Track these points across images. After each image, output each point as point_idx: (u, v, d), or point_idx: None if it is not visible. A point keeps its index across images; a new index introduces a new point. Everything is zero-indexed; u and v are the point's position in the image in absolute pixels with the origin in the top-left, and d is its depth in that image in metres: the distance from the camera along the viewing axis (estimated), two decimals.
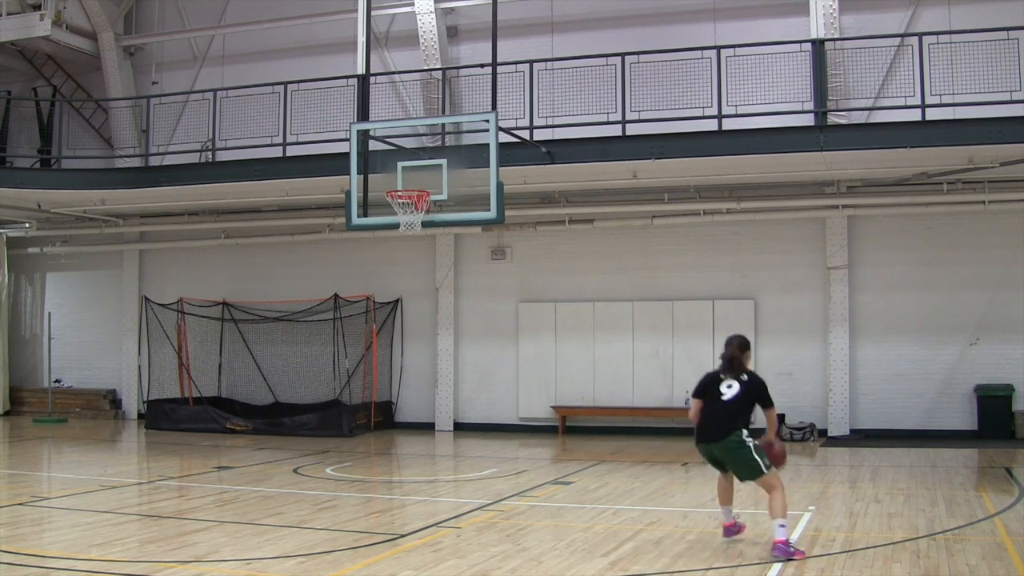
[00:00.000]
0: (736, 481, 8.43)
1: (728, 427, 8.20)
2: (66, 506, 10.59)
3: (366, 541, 8.69)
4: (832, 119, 15.47)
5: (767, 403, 8.33)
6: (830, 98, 15.46)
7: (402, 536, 8.80)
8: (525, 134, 15.08)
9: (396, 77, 18.96)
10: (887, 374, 17.17)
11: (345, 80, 16.97)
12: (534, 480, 12.63)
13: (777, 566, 7.62)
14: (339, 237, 19.85)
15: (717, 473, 8.65)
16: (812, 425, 17.04)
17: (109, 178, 19.17)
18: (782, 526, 7.87)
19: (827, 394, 17.30)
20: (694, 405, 8.52)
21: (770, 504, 8.02)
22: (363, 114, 14.90)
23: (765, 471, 8.05)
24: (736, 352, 8.41)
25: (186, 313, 20.56)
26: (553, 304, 18.88)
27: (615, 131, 15.52)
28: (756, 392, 8.32)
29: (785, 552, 7.79)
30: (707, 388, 8.46)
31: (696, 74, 15.49)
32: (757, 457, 8.06)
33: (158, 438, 18.16)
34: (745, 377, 8.35)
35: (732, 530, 8.58)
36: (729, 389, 8.29)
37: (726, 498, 8.56)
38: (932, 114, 14.40)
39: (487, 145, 12.48)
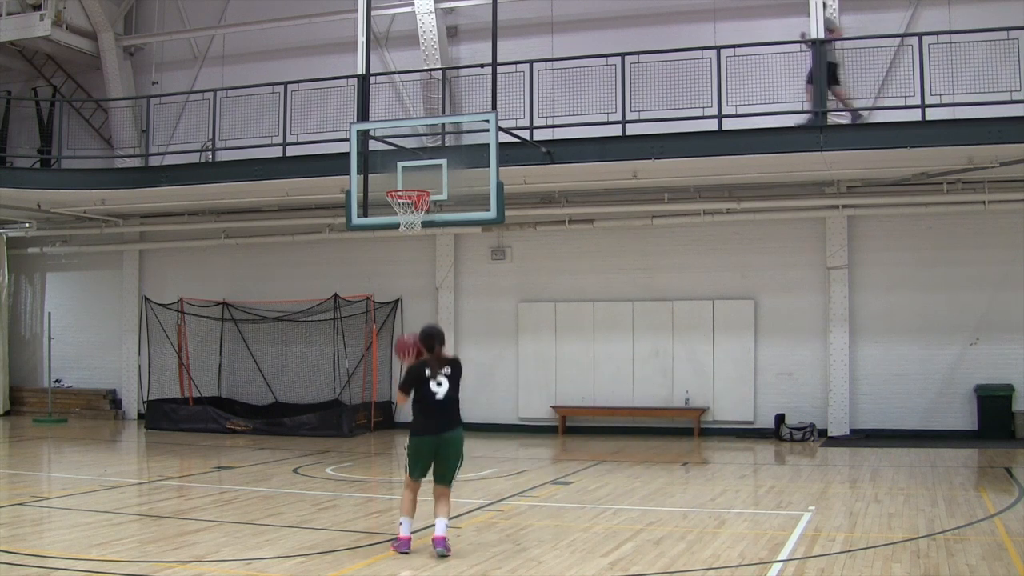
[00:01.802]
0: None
1: (459, 417, 8.40)
2: (66, 506, 10.59)
3: (366, 541, 8.70)
4: (832, 119, 15.47)
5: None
6: (830, 98, 15.46)
7: None
8: (525, 134, 15.08)
9: (396, 77, 18.96)
10: (887, 374, 17.17)
11: (345, 80, 16.96)
12: (534, 480, 12.63)
13: (777, 566, 7.62)
14: (339, 237, 19.85)
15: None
16: (812, 425, 17.03)
17: (109, 178, 19.16)
18: (447, 524, 8.19)
19: (827, 394, 17.29)
20: (402, 396, 8.44)
21: (444, 506, 8.21)
22: (363, 114, 14.87)
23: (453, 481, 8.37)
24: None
25: (186, 313, 20.56)
26: (553, 304, 18.88)
27: (615, 131, 15.51)
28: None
29: (447, 545, 8.05)
30: (418, 380, 8.32)
31: (696, 74, 15.48)
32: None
33: (158, 438, 18.16)
34: (449, 369, 8.37)
35: (409, 544, 8.23)
36: (441, 387, 8.28)
37: (414, 507, 8.33)
38: (932, 114, 14.39)
39: (487, 145, 12.47)
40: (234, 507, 10.57)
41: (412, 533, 8.32)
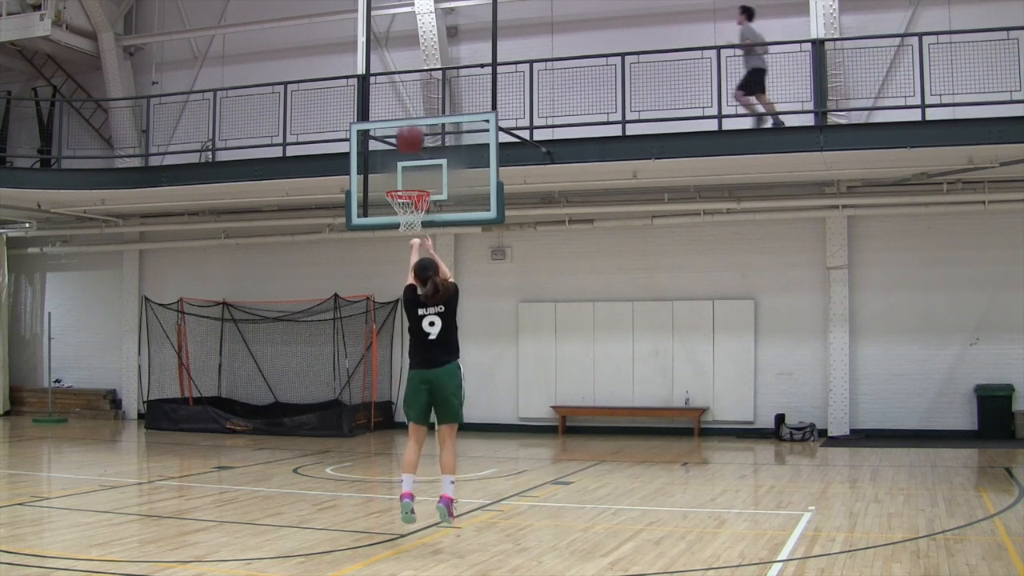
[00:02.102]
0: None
1: (452, 354, 8.37)
2: (66, 506, 10.59)
3: (366, 541, 8.69)
4: (832, 119, 15.47)
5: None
6: (830, 98, 15.46)
7: (402, 536, 8.79)
8: (525, 134, 15.08)
9: (396, 77, 18.97)
10: (887, 374, 17.17)
11: (345, 80, 16.97)
12: (534, 480, 12.63)
13: (777, 566, 7.62)
14: (339, 237, 19.85)
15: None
16: (812, 425, 17.03)
17: (109, 178, 19.17)
18: (452, 483, 8.25)
19: (827, 394, 17.29)
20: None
21: (447, 458, 8.23)
22: (363, 114, 14.88)
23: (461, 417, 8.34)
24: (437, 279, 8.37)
25: (186, 313, 20.56)
26: (553, 304, 18.88)
27: (615, 131, 15.51)
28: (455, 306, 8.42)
29: (451, 509, 8.13)
30: (411, 303, 8.40)
31: (696, 74, 15.49)
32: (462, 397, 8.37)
33: (158, 438, 18.16)
34: (442, 308, 8.35)
35: (411, 497, 8.25)
36: (434, 327, 8.29)
37: (416, 462, 8.37)
38: (932, 114, 14.40)
39: (487, 145, 12.47)
40: (234, 507, 10.57)
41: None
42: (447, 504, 8.15)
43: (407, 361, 8.69)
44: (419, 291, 8.35)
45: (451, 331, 8.35)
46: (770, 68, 15.39)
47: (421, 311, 8.34)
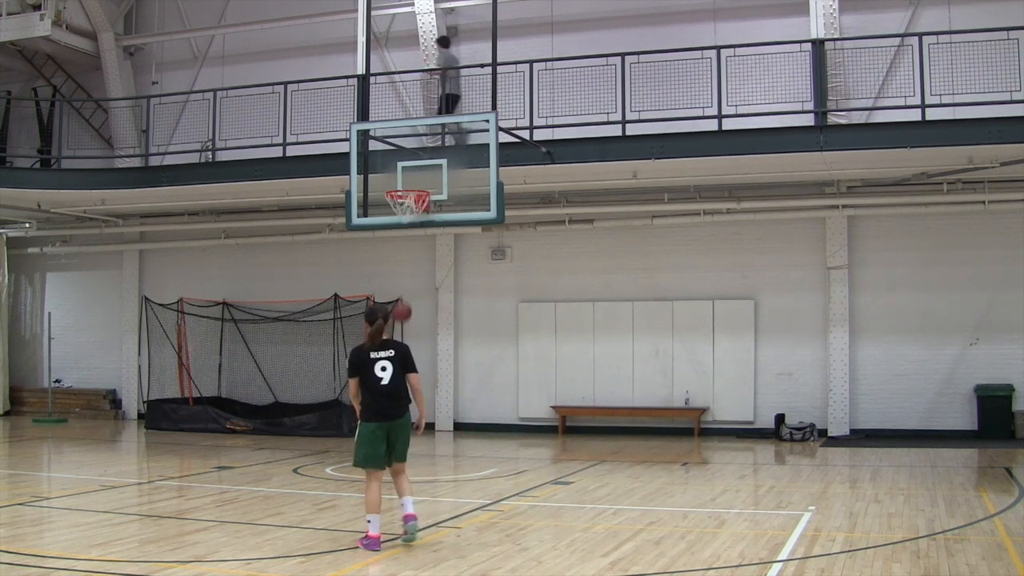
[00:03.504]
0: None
1: (407, 403, 8.43)
2: (66, 506, 10.59)
3: None
4: (832, 119, 15.47)
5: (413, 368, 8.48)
6: (830, 98, 15.46)
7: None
8: (525, 134, 15.08)
9: (396, 77, 18.97)
10: (887, 374, 17.18)
11: (345, 80, 16.97)
12: (534, 480, 12.63)
13: (777, 566, 7.62)
14: (339, 237, 19.85)
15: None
16: (812, 425, 17.04)
17: (109, 178, 19.18)
18: (413, 502, 8.44)
19: (827, 394, 17.30)
20: (352, 383, 8.43)
21: (404, 484, 8.44)
22: (363, 114, 14.89)
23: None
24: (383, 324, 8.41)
25: (186, 313, 20.56)
26: (553, 304, 18.88)
27: (615, 131, 15.52)
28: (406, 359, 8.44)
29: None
30: (362, 365, 8.34)
31: (696, 74, 15.49)
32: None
33: (158, 438, 18.16)
34: (392, 352, 8.38)
35: (379, 542, 8.21)
36: (386, 372, 8.27)
37: (380, 503, 8.40)
38: (932, 114, 14.40)
39: (487, 145, 12.47)
40: (234, 507, 10.57)
41: (417, 530, 8.33)
42: (415, 519, 8.36)
43: None
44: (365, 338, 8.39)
45: (402, 380, 8.36)
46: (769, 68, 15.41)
47: (373, 354, 8.31)
